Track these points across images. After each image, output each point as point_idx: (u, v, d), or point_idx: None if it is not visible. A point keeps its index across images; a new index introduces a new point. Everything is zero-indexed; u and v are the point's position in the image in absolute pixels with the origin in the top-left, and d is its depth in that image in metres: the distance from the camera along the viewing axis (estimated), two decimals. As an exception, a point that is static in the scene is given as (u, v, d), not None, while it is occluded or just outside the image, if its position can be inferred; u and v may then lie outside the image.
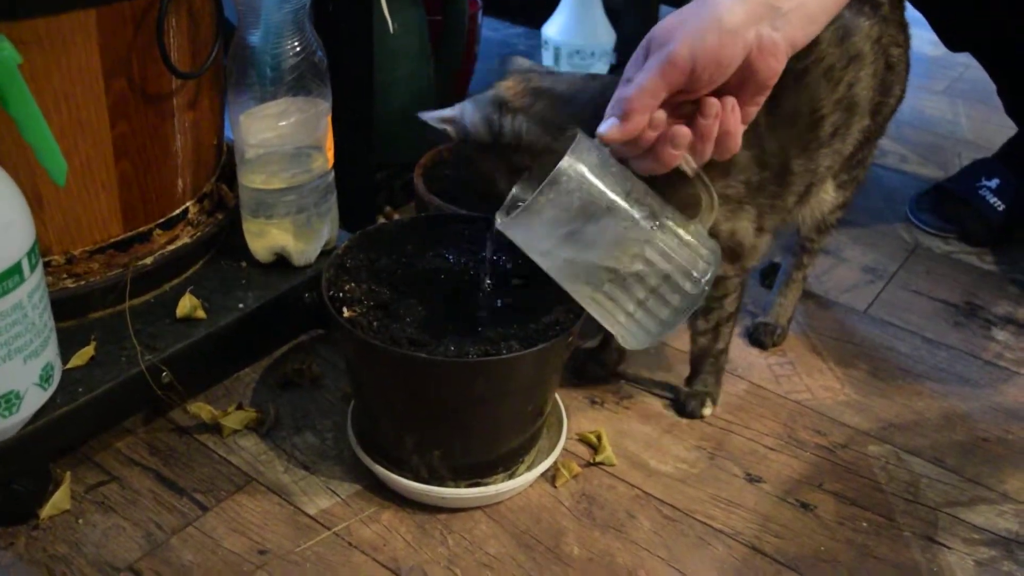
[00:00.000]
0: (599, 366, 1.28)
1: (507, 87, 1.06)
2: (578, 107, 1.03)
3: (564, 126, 0.99)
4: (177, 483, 1.09)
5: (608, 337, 1.27)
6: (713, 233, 1.02)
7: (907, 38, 1.20)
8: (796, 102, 1.07)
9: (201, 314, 1.14)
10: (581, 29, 1.89)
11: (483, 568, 1.01)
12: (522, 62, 1.14)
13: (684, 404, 1.23)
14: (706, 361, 1.22)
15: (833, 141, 1.12)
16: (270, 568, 1.00)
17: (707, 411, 1.23)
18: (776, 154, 1.08)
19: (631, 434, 1.20)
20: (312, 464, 1.12)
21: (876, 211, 1.71)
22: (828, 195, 1.23)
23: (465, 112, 1.06)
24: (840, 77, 1.09)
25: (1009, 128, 1.69)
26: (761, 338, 1.37)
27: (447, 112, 1.08)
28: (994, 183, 1.64)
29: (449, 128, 1.07)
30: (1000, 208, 1.62)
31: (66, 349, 1.04)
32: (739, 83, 0.90)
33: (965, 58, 1.67)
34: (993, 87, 1.67)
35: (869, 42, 1.11)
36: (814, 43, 1.04)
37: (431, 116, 1.08)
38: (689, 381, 1.25)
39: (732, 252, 1.11)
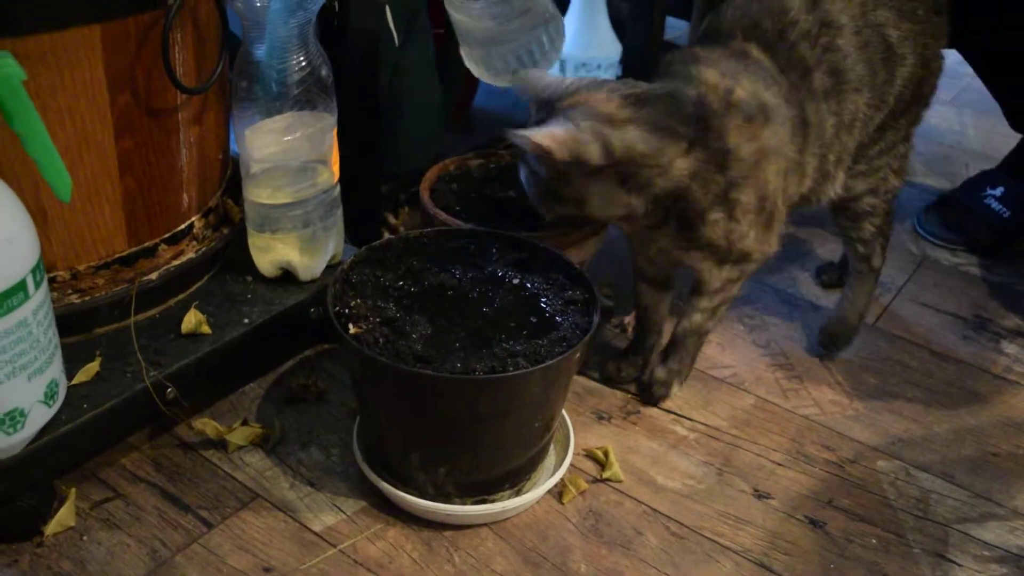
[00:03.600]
0: (633, 368, 1.30)
1: (600, 100, 1.05)
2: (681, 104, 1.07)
3: (675, 127, 1.05)
4: (182, 500, 1.08)
5: (641, 339, 1.29)
6: (762, 196, 1.10)
7: (917, 27, 1.19)
8: (787, 53, 1.13)
9: (206, 329, 1.13)
10: (587, 41, 1.89)
11: (490, 586, 1.01)
12: (541, 76, 1.16)
13: (652, 390, 1.25)
14: (690, 339, 1.23)
15: (828, 102, 1.14)
16: (275, 586, 0.99)
17: (675, 389, 1.25)
18: (792, 93, 1.12)
19: (638, 450, 1.19)
20: (318, 480, 1.11)
21: (883, 223, 1.71)
22: (839, 178, 1.24)
23: (571, 132, 1.03)
24: (816, 39, 1.13)
25: (1015, 138, 1.68)
26: (827, 342, 1.37)
27: (555, 129, 1.02)
28: (999, 191, 1.64)
29: (555, 148, 1.02)
30: (1006, 215, 1.62)
31: (71, 365, 1.04)
32: None
33: (968, 69, 1.67)
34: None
35: (846, 15, 1.14)
36: (784, 9, 1.13)
37: (526, 134, 1.02)
38: (665, 357, 1.25)
39: (769, 217, 1.13)
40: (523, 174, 1.14)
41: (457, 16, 1.25)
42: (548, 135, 1.02)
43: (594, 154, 1.03)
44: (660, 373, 1.25)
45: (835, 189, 1.24)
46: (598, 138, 1.03)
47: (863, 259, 1.34)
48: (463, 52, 1.28)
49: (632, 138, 1.03)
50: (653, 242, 1.17)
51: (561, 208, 1.12)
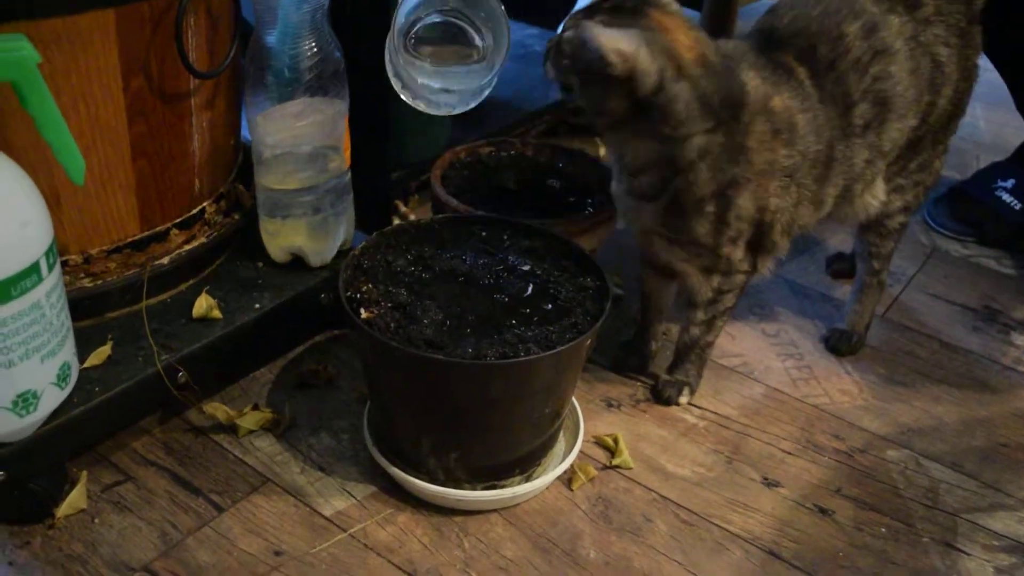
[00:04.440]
0: (638, 357, 1.29)
1: (685, 45, 1.02)
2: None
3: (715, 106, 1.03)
4: (193, 483, 1.09)
5: (645, 325, 1.28)
6: (762, 207, 1.09)
7: (962, 40, 1.18)
8: (833, 87, 1.10)
9: (217, 314, 1.13)
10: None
11: (499, 571, 1.01)
12: None
13: (661, 391, 1.24)
14: (693, 351, 1.23)
15: (867, 135, 1.13)
16: (286, 569, 0.99)
17: (684, 399, 1.24)
18: (824, 128, 1.10)
19: (648, 437, 1.19)
20: (328, 465, 1.12)
21: (893, 214, 1.70)
22: (877, 198, 1.23)
23: (641, 55, 0.99)
24: (865, 69, 1.11)
25: (1027, 130, 1.68)
26: (837, 345, 1.36)
27: (623, 44, 0.98)
28: (1010, 183, 1.63)
29: (617, 61, 0.98)
30: (1017, 207, 1.61)
31: (83, 348, 1.04)
32: None
33: (982, 60, 1.66)
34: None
35: (901, 39, 1.12)
36: (841, 35, 1.10)
37: (597, 38, 0.98)
38: (672, 369, 1.26)
39: (758, 236, 1.12)
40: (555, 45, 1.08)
41: (416, 77, 1.18)
42: (619, 48, 0.98)
43: (645, 86, 1.00)
44: (667, 378, 1.25)
45: (873, 206, 1.23)
46: (658, 75, 1.00)
47: (874, 274, 1.33)
48: (395, 85, 1.18)
49: (681, 94, 1.01)
50: (637, 217, 1.14)
51: (575, 93, 1.07)
